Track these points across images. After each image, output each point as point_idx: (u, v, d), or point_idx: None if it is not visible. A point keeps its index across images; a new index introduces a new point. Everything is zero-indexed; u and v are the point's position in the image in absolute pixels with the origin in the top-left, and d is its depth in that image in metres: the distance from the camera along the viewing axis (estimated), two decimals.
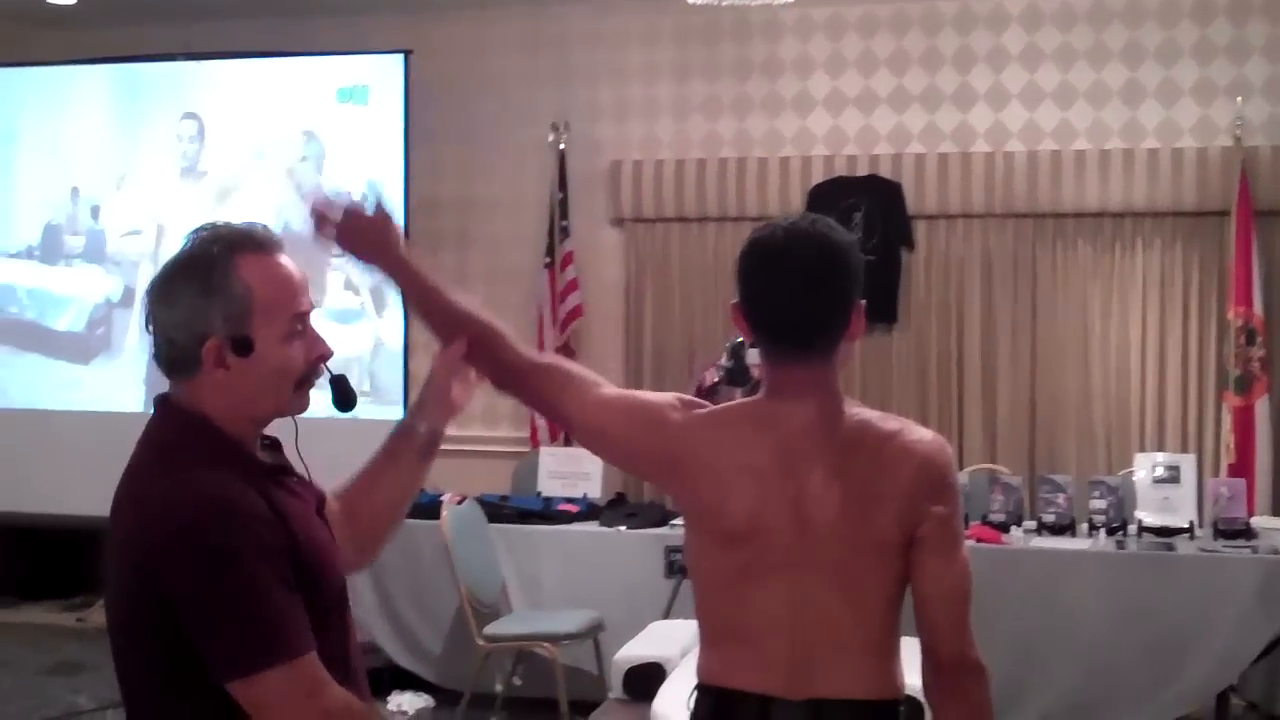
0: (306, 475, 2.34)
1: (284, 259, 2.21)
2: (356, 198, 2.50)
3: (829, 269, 2.34)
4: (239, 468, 2.14)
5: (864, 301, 2.39)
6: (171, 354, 2.17)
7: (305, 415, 2.32)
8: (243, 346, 2.13)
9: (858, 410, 2.39)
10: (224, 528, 2.04)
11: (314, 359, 2.24)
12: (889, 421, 2.39)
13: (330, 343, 2.28)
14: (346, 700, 2.13)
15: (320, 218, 2.47)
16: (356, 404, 2.42)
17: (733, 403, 2.53)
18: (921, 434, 2.38)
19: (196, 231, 2.20)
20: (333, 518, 2.40)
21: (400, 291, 2.60)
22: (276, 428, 2.32)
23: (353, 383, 2.40)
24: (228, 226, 2.21)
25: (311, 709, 2.08)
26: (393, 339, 8.24)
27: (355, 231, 2.48)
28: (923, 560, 2.32)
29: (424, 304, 2.60)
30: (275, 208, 8.18)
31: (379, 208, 2.51)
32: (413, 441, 2.58)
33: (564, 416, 2.56)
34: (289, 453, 2.35)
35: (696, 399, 2.49)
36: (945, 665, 2.34)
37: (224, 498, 2.07)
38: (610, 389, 2.54)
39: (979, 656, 2.35)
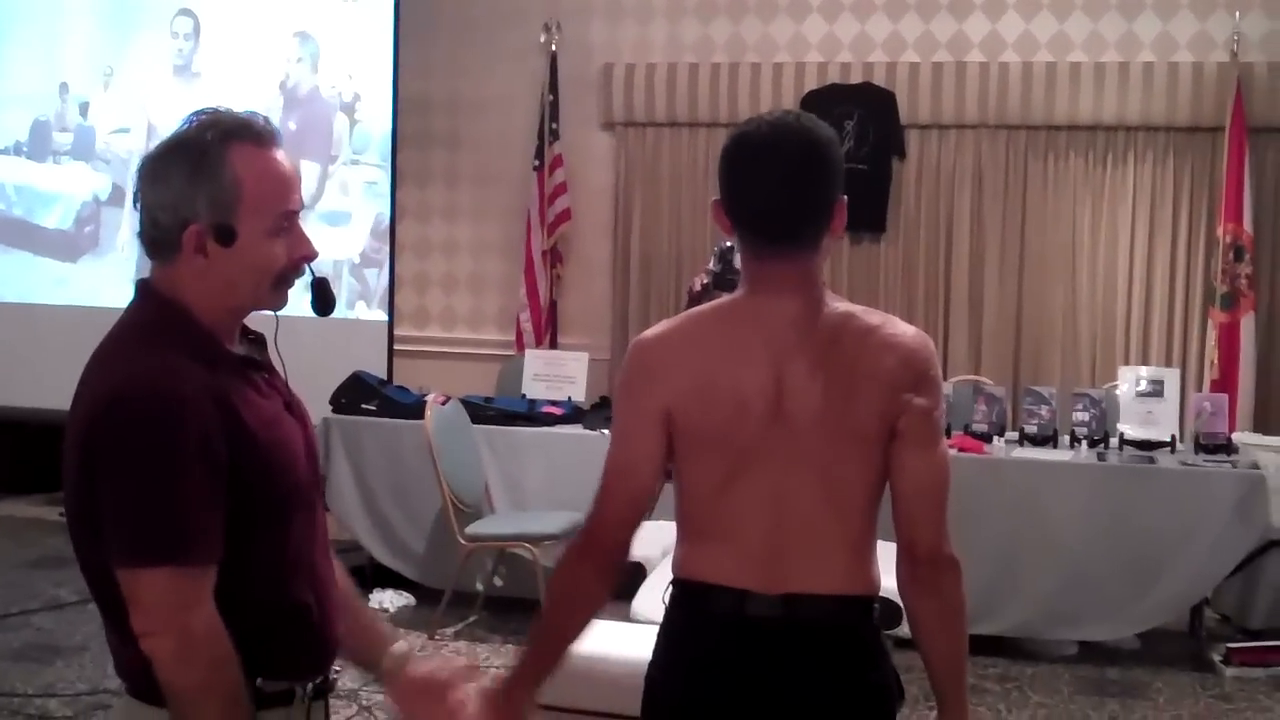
0: (283, 374, 2.30)
1: (279, 154, 2.16)
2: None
3: (813, 163, 2.33)
4: (203, 356, 2.10)
5: (845, 197, 2.38)
6: (154, 234, 2.13)
7: (288, 313, 2.29)
8: (225, 235, 2.09)
9: (841, 304, 2.39)
10: (154, 411, 2.00)
11: (297, 258, 2.18)
12: (872, 315, 2.38)
13: (315, 244, 2.23)
14: (214, 630, 2.03)
15: None
16: (335, 308, 2.38)
17: (707, 304, 2.52)
18: (904, 328, 2.37)
19: (196, 114, 2.15)
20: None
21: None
22: (260, 324, 2.30)
23: (341, 286, 2.35)
24: (228, 114, 2.15)
25: (173, 623, 2.00)
26: (380, 242, 8.20)
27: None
28: (901, 453, 2.32)
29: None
30: (266, 109, 8.13)
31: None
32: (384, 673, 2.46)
33: (651, 486, 2.43)
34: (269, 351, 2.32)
35: (723, 270, 2.49)
36: (920, 560, 2.34)
37: (164, 381, 2.02)
38: (618, 449, 2.43)
39: (954, 552, 2.36)
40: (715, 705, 2.37)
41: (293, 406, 2.28)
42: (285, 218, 2.15)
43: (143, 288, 2.18)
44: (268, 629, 2.13)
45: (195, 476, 2.01)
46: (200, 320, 2.13)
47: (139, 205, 2.14)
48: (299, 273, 2.21)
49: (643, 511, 2.43)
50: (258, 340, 2.29)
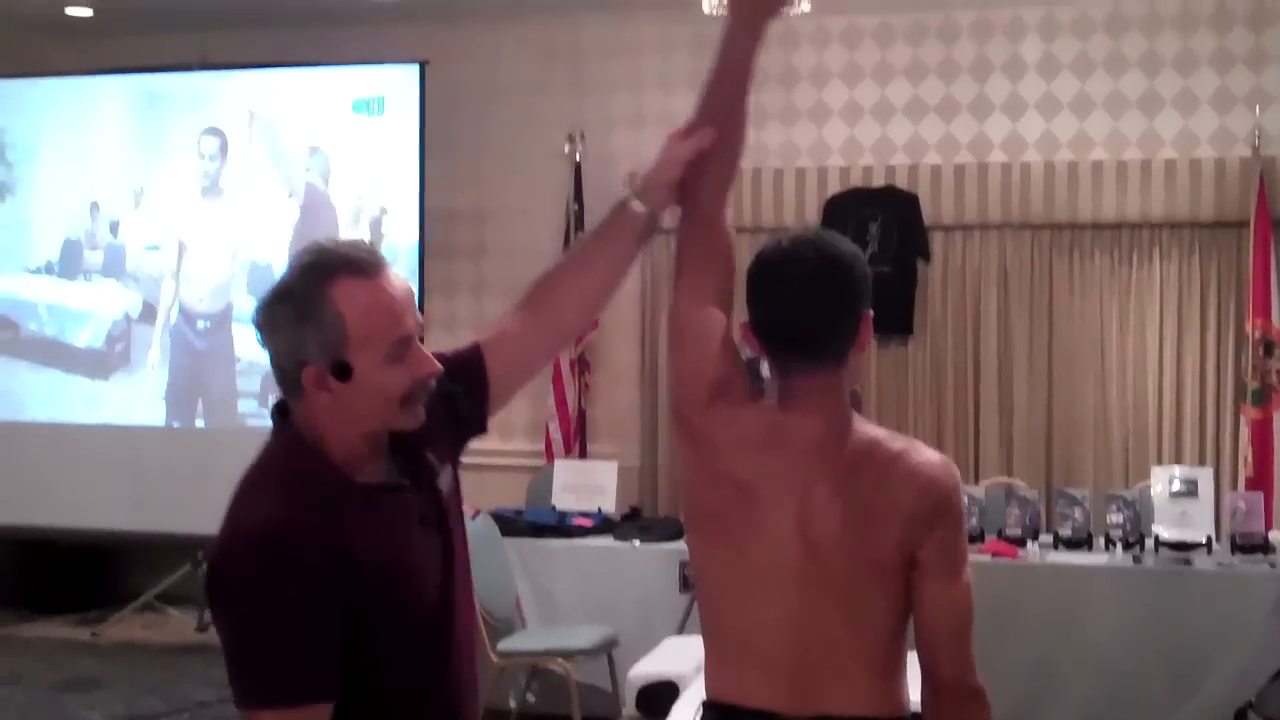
0: (436, 467, 2.32)
1: (385, 281, 2.16)
2: None
3: (833, 278, 2.35)
4: (329, 496, 2.13)
5: (871, 312, 2.40)
6: (279, 377, 2.19)
7: None
8: (342, 372, 2.12)
9: (866, 428, 2.40)
10: (263, 557, 2.04)
11: (420, 378, 2.20)
12: (896, 441, 2.39)
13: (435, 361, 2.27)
14: None
15: None
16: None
17: (754, 406, 2.50)
18: (928, 455, 2.38)
19: (300, 253, 2.20)
20: (504, 340, 2.48)
21: (728, 54, 2.61)
22: None
23: None
24: (329, 250, 2.18)
25: None
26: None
27: None
28: (923, 583, 2.32)
29: (725, 79, 2.62)
30: (293, 224, 8.24)
31: None
32: (630, 223, 2.56)
33: (678, 288, 2.55)
34: None
35: (750, 378, 2.50)
36: (944, 690, 2.34)
37: (276, 527, 2.06)
38: (721, 312, 2.52)
39: (979, 682, 2.35)
40: None
41: (427, 518, 2.27)
42: (400, 344, 2.16)
43: (279, 416, 2.24)
44: None
45: (307, 613, 2.05)
46: (332, 451, 2.17)
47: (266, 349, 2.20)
48: (426, 389, 2.22)
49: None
50: (404, 447, 2.28)
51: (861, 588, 2.32)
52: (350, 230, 8.31)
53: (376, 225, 8.32)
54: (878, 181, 8.15)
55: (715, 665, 2.44)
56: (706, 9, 5.91)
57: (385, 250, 8.09)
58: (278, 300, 2.15)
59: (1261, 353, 7.36)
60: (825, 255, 2.36)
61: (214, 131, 8.57)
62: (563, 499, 7.03)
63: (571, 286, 2.54)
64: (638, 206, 2.54)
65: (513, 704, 6.35)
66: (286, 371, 2.16)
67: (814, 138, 8.35)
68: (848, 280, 2.36)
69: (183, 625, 8.28)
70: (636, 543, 6.54)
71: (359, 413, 2.16)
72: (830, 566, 2.32)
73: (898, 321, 7.93)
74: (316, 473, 2.15)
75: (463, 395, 2.40)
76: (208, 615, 7.27)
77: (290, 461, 2.17)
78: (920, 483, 2.33)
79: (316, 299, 2.11)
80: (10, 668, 7.59)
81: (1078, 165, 7.90)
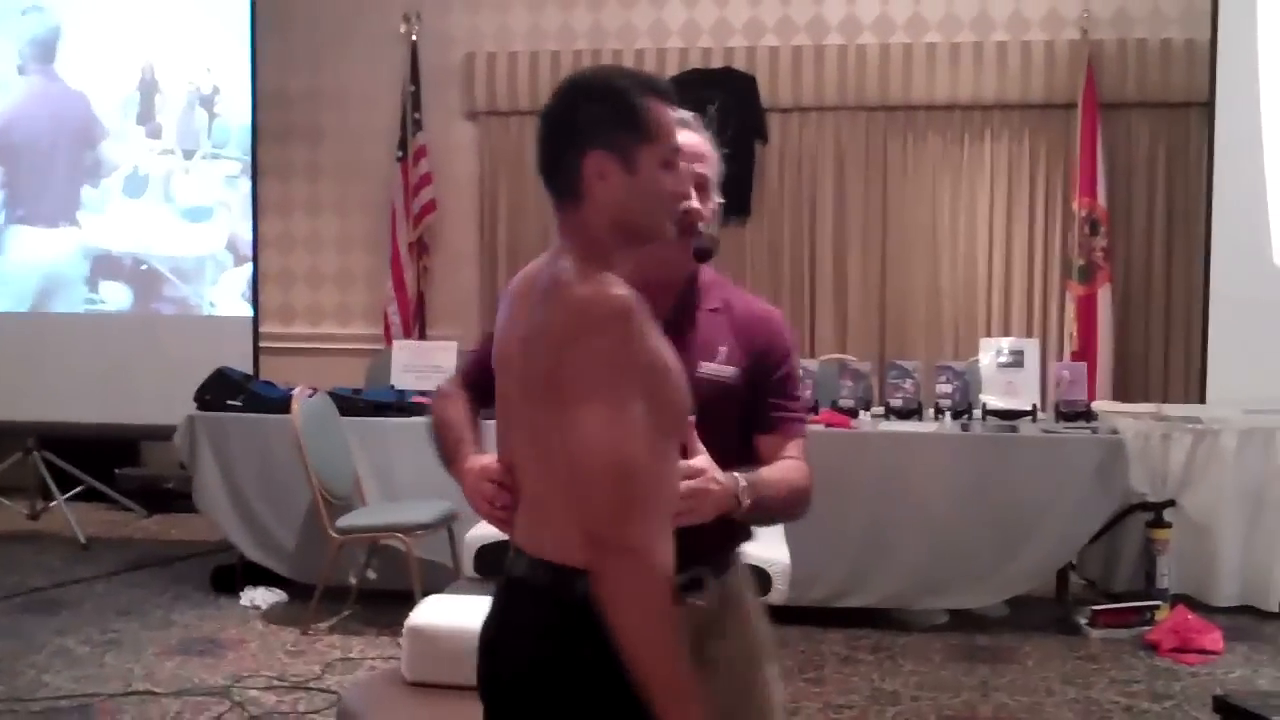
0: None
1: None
2: None
3: (552, 111, 2.29)
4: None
5: (601, 152, 2.24)
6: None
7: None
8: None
9: (589, 267, 2.22)
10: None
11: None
12: (583, 274, 2.20)
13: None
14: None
15: None
16: (713, 255, 2.73)
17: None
18: (594, 285, 2.17)
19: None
20: None
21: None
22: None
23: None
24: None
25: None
26: (243, 236, 8.07)
27: None
28: (559, 412, 2.15)
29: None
30: (124, 101, 8.03)
31: None
32: None
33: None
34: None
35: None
36: (587, 539, 2.10)
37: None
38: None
39: (627, 538, 2.07)
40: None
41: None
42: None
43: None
44: None
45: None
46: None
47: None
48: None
49: None
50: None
51: (539, 422, 2.20)
52: (181, 110, 8.11)
53: (209, 104, 8.12)
54: (716, 63, 8.18)
55: None
56: None
57: (217, 131, 7.98)
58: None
59: (1087, 230, 7.58)
60: (561, 90, 2.30)
61: (37, 8, 8.27)
62: (402, 379, 6.99)
63: None
64: None
65: (353, 580, 6.32)
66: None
67: (653, 19, 8.34)
68: (566, 113, 2.27)
69: (14, 514, 8.12)
70: None
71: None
72: (519, 402, 2.25)
73: (735, 203, 7.99)
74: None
75: None
76: (40, 504, 7.08)
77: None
78: (568, 308, 2.15)
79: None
80: None
81: (912, 47, 8.00)
